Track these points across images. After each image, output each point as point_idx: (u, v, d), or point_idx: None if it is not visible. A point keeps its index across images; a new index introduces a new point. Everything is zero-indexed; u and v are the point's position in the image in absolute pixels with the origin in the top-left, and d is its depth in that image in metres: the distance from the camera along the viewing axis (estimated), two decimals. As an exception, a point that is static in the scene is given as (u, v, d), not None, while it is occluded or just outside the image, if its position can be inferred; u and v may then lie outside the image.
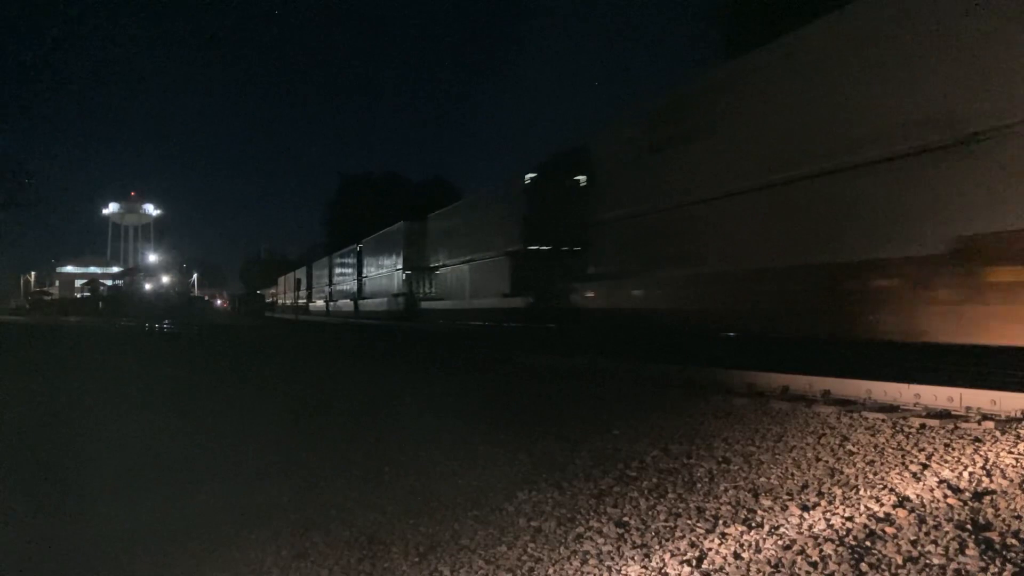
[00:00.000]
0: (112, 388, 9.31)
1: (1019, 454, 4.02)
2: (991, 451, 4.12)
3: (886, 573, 2.57)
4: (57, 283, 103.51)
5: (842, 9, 8.14)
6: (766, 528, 3.13)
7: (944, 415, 5.17)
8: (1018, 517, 3.01)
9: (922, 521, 3.03)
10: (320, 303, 50.12)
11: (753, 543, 2.97)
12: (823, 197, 8.21)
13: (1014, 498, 3.26)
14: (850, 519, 3.13)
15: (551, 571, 2.92)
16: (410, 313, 26.90)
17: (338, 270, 45.68)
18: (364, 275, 37.32)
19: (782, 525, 3.15)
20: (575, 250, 15.68)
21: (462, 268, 23.38)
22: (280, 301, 70.42)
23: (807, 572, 2.63)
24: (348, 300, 40.48)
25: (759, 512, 3.37)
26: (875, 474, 3.85)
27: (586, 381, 8.26)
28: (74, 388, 9.44)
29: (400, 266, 28.83)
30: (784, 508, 3.39)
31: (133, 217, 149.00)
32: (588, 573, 2.86)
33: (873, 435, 4.78)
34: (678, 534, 3.18)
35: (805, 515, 3.25)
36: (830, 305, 8.12)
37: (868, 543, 2.84)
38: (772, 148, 9.02)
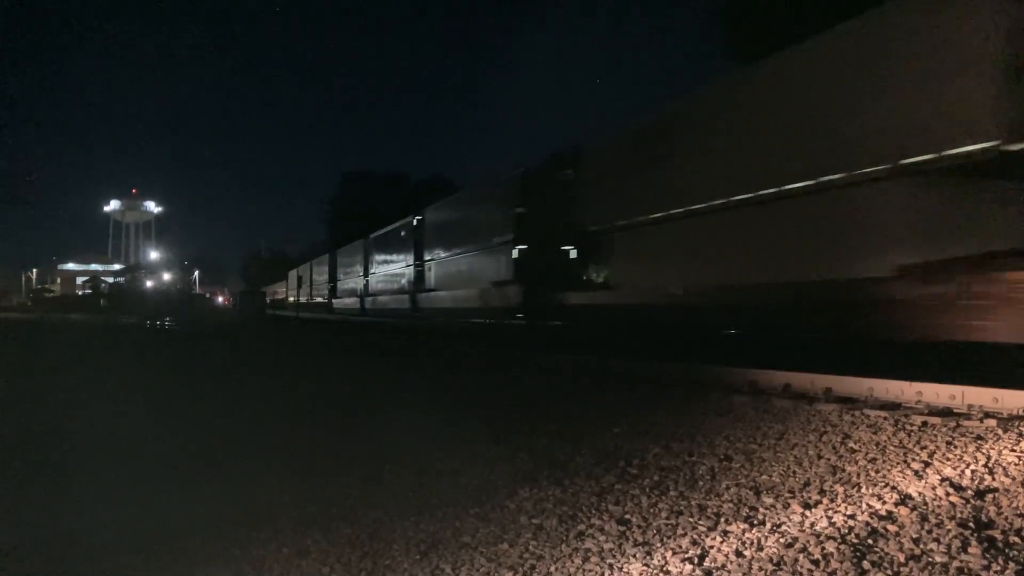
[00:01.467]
0: (113, 385, 9.31)
1: (1021, 452, 4.01)
2: (993, 449, 4.12)
3: (888, 571, 2.57)
4: (59, 280, 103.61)
5: None
6: (768, 526, 3.13)
7: (946, 413, 5.16)
8: (1020, 515, 3.00)
9: (924, 519, 3.03)
10: (351, 300, 39.67)
11: (755, 541, 2.96)
12: None
13: (1016, 496, 3.25)
14: (852, 517, 3.12)
15: (553, 569, 2.92)
16: (536, 311, 17.21)
17: (379, 259, 34.43)
18: (428, 259, 26.34)
19: (784, 523, 3.15)
20: None
21: (696, 224, 11.50)
22: (292, 298, 61.73)
23: (809, 570, 2.63)
24: (400, 296, 30.08)
25: (761, 510, 3.36)
26: (877, 472, 3.84)
27: (587, 379, 8.25)
28: (74, 385, 9.44)
29: (509, 238, 18.66)
30: (786, 506, 3.38)
31: (134, 214, 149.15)
32: (590, 571, 2.86)
33: (875, 433, 4.78)
34: (680, 532, 3.17)
35: (807, 513, 3.24)
36: None
37: (870, 541, 2.84)
38: None
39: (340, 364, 11.98)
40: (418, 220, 27.90)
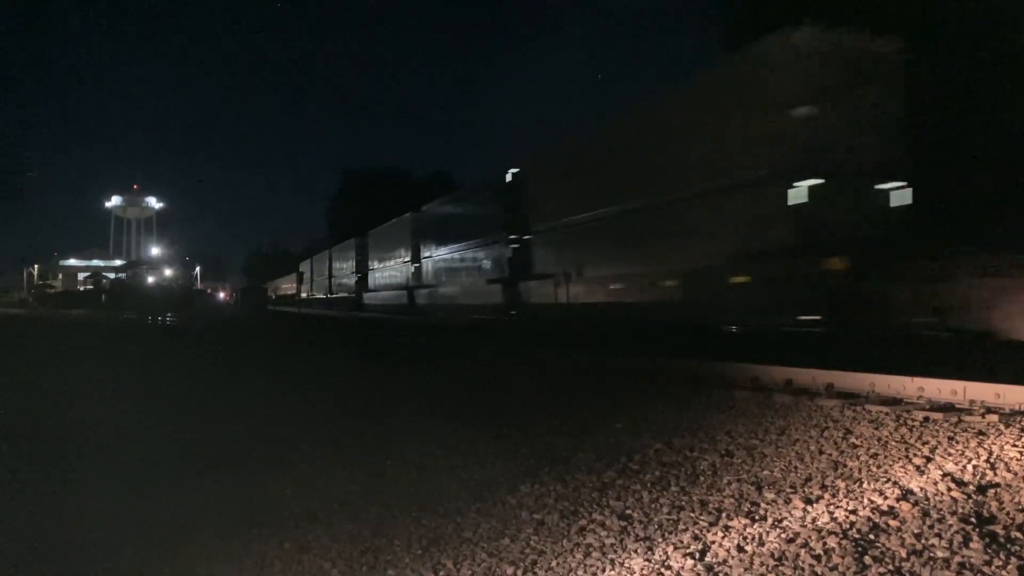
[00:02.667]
0: (114, 380, 9.32)
1: (1023, 447, 4.01)
2: (995, 444, 4.11)
3: (890, 566, 2.57)
4: (60, 276, 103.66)
5: None
6: (769, 521, 3.13)
7: (948, 408, 5.16)
8: (1022, 510, 3.00)
9: (926, 514, 3.02)
10: (391, 294, 31.78)
11: (756, 536, 2.96)
12: None
13: (1018, 491, 3.25)
14: (854, 512, 3.12)
15: (554, 564, 2.92)
16: (869, 307, 9.22)
17: (437, 239, 25.44)
18: (541, 229, 17.70)
19: (785, 518, 3.14)
20: None
21: None
22: (305, 294, 55.79)
23: (811, 565, 2.63)
24: (481, 287, 21.27)
25: (762, 505, 3.36)
26: (879, 467, 3.84)
27: (589, 375, 8.25)
28: (75, 380, 9.45)
29: (781, 167, 10.25)
30: (787, 501, 3.38)
31: (135, 210, 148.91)
32: (591, 566, 2.86)
33: (876, 428, 4.77)
34: (681, 527, 3.17)
35: (808, 508, 3.24)
36: None
37: (872, 536, 2.84)
38: None
39: (338, 358, 11.99)
40: (514, 174, 19.21)
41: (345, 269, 42.03)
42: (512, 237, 19.13)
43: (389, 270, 33.03)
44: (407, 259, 29.55)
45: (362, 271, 37.84)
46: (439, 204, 26.54)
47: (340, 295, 42.91)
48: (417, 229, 28.49)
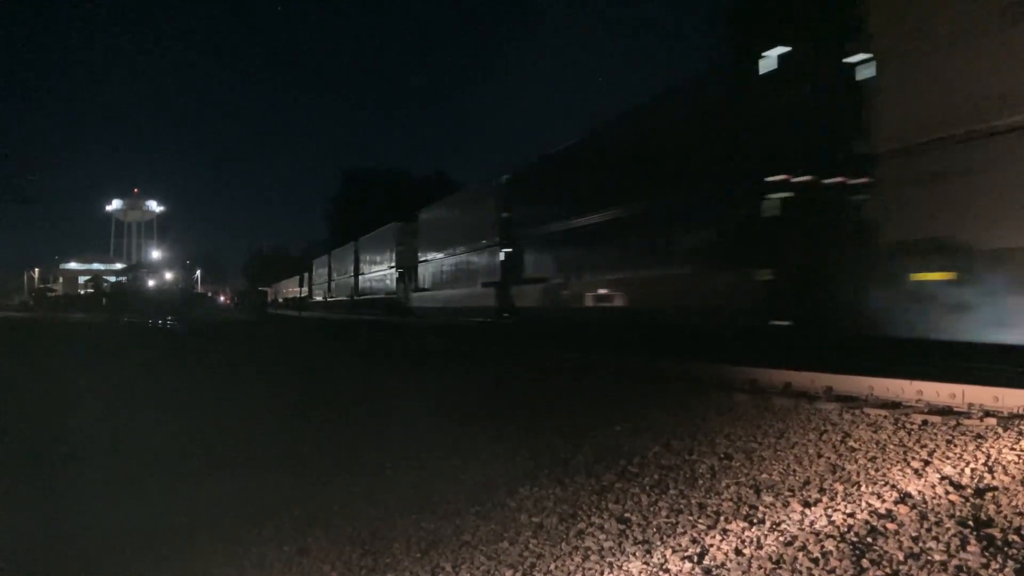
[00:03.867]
0: (115, 382, 9.32)
1: (1021, 451, 4.01)
2: (993, 448, 4.12)
3: (887, 569, 2.58)
4: (61, 279, 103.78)
5: None
6: (768, 524, 3.14)
7: (946, 412, 5.17)
8: (1020, 514, 3.01)
9: (923, 517, 3.03)
10: (463, 292, 22.07)
11: (755, 539, 2.97)
12: None
13: (1016, 494, 3.26)
14: (852, 515, 3.13)
15: (553, 567, 2.93)
16: None
17: (551, 227, 15.58)
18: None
19: (784, 521, 3.15)
20: None
21: None
22: (319, 296, 48.86)
23: (808, 568, 2.64)
24: (685, 273, 11.06)
25: (761, 508, 3.37)
26: (877, 470, 3.85)
27: (589, 376, 8.25)
28: (77, 382, 9.45)
29: None
30: (786, 504, 3.39)
31: (136, 214, 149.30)
32: (590, 569, 2.87)
33: (875, 431, 4.78)
34: (679, 530, 3.18)
35: (807, 511, 3.25)
36: None
37: (870, 539, 2.85)
38: None
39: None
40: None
41: (379, 265, 33.42)
42: (770, 180, 9.32)
43: (453, 261, 23.65)
44: (493, 243, 19.70)
45: (405, 265, 28.81)
46: (552, 157, 16.39)
47: (372, 296, 34.44)
48: (509, 199, 18.49)
